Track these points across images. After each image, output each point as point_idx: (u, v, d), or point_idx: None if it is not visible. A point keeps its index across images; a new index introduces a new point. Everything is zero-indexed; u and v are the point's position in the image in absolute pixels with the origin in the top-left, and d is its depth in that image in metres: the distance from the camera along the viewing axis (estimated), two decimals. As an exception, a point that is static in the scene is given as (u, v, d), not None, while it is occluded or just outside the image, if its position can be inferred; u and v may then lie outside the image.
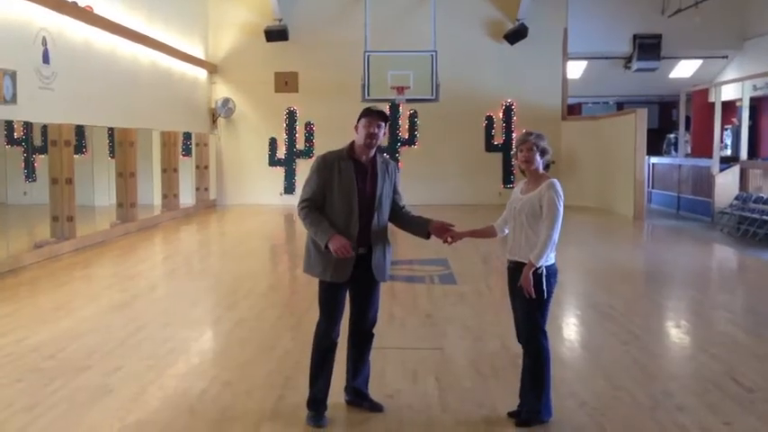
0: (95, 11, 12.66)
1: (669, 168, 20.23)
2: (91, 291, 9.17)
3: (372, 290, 4.77)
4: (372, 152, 4.67)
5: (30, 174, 16.66)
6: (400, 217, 4.87)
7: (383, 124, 4.63)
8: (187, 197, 18.38)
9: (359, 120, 4.64)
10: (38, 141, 15.88)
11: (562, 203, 4.55)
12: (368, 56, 17.45)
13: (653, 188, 20.73)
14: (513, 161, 4.88)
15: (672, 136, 24.82)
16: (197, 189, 19.28)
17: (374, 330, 4.90)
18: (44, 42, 11.07)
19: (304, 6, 19.95)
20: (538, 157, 4.62)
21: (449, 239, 4.81)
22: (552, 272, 4.57)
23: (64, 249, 11.58)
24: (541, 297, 4.50)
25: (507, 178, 20.16)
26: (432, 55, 17.42)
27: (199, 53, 19.17)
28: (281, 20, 19.57)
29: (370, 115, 4.61)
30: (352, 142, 4.68)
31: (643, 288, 9.76)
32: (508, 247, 4.72)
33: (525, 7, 19.41)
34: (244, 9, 20.04)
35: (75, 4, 11.93)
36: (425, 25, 18.37)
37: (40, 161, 15.90)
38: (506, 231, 4.82)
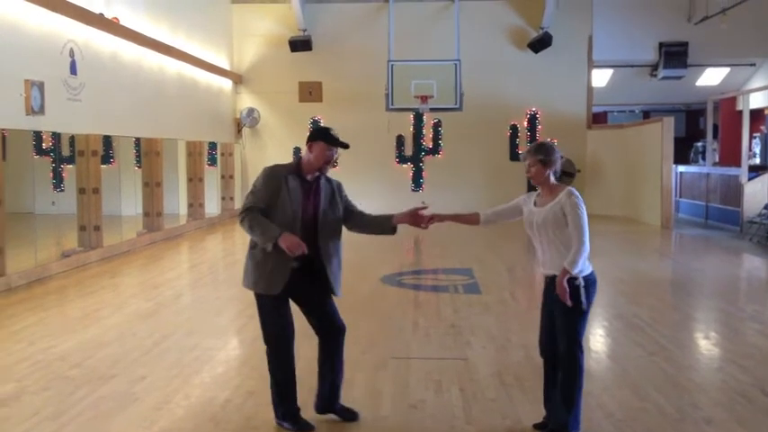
0: (122, 22, 12.81)
1: (697, 177, 19.98)
2: (117, 300, 9.24)
3: (327, 300, 4.76)
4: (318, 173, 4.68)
5: (58, 184, 16.86)
6: (359, 221, 4.83)
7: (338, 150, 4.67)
8: (212, 206, 18.49)
9: (315, 140, 4.63)
10: (66, 151, 16.05)
11: (584, 209, 4.48)
12: (391, 65, 17.49)
13: (680, 197, 20.49)
14: (526, 175, 4.84)
15: (699, 144, 24.54)
16: (222, 198, 19.38)
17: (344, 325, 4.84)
18: (71, 54, 11.22)
19: (328, 17, 20.04)
20: (545, 170, 4.58)
21: (423, 225, 4.74)
22: (591, 281, 4.45)
23: (91, 258, 11.71)
24: (580, 308, 4.40)
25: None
26: (455, 64, 17.42)
27: (224, 63, 19.32)
28: (305, 30, 19.68)
29: (332, 143, 4.63)
30: (300, 159, 4.68)
31: (671, 298, 9.64)
32: (540, 263, 4.63)
33: (549, 15, 19.32)
34: (268, 20, 20.17)
35: (102, 15, 12.08)
36: (449, 34, 18.38)
37: (68, 171, 16.08)
38: (490, 221, 4.87)
